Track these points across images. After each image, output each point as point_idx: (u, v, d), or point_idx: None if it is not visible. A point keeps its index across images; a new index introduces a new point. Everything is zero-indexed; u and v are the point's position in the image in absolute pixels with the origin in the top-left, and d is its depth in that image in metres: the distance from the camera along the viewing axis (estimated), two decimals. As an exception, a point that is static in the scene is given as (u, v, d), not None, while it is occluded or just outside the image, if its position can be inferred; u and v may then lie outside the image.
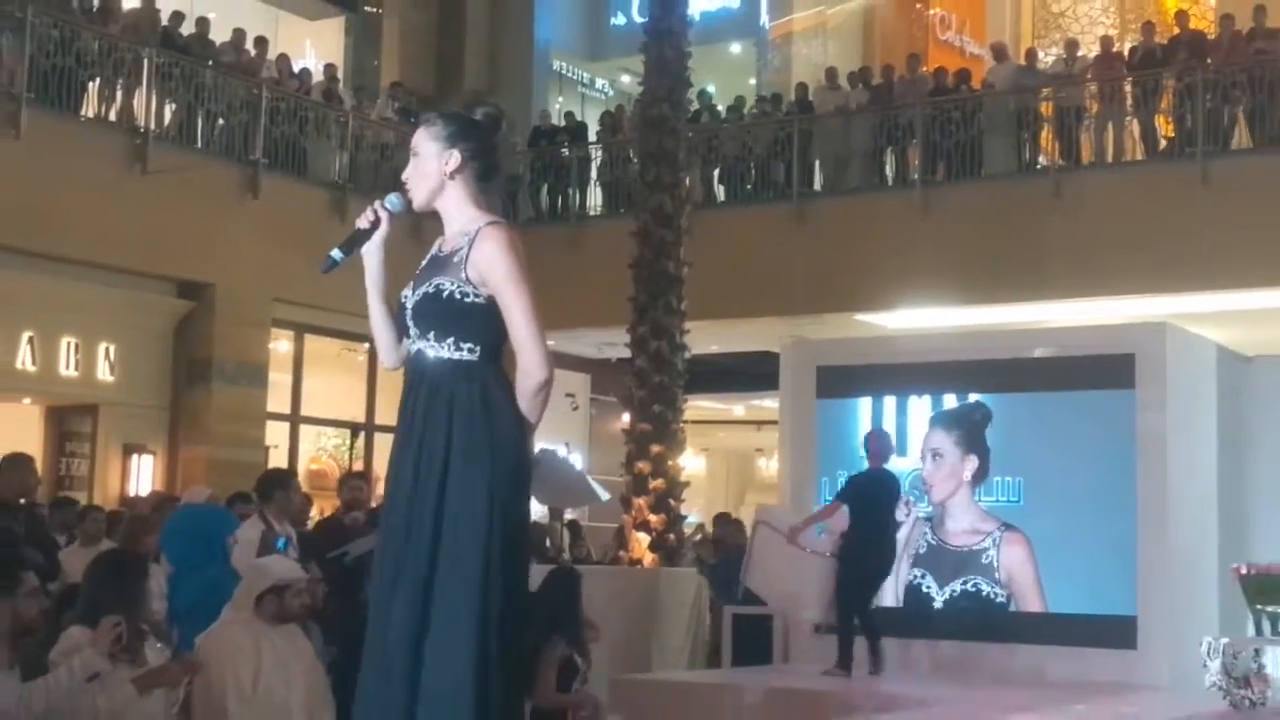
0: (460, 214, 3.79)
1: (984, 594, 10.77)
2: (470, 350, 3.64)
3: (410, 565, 3.55)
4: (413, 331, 3.70)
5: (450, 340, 3.64)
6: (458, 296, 3.63)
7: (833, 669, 9.55)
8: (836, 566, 9.88)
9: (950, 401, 11.21)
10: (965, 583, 10.81)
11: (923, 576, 10.92)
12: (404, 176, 3.83)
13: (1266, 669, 8.60)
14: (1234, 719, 8.47)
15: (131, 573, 5.45)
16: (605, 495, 4.28)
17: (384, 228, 3.81)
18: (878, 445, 10.02)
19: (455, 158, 3.78)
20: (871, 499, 9.78)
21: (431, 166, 3.78)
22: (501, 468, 3.58)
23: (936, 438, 11.02)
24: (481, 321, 3.64)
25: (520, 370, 3.66)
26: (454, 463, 3.56)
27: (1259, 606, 8.82)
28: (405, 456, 3.63)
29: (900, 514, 10.27)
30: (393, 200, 3.83)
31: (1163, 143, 15.64)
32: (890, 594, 10.73)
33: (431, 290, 3.66)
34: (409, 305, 3.71)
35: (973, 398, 11.12)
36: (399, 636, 3.52)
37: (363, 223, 3.80)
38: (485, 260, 3.63)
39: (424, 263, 3.81)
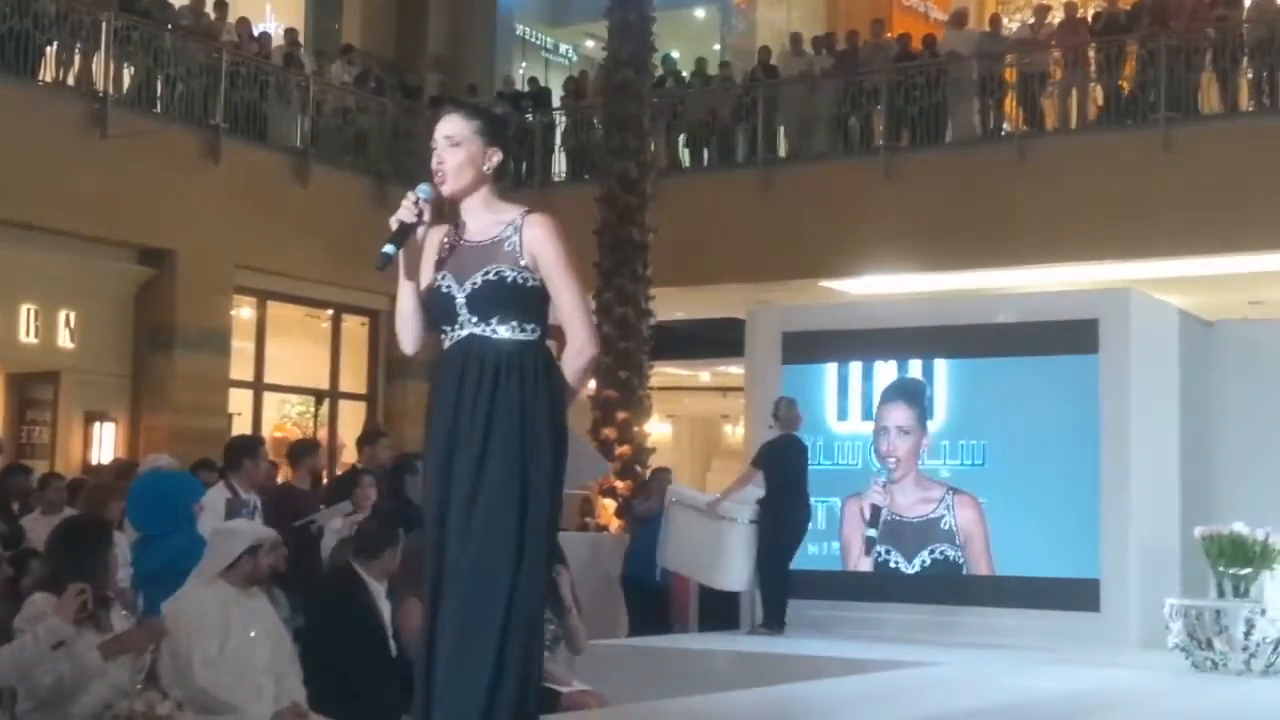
0: (488, 207, 3.92)
1: (951, 559, 10.87)
2: (532, 331, 3.82)
3: (482, 534, 3.71)
4: (464, 317, 3.81)
5: (514, 323, 3.80)
6: (520, 281, 3.79)
7: (759, 627, 10.19)
8: (757, 531, 10.31)
9: (915, 368, 11.26)
10: (932, 551, 10.91)
11: (888, 553, 11.00)
12: (442, 163, 3.88)
13: (1228, 630, 8.71)
14: (1197, 680, 8.56)
15: (95, 539, 5.41)
16: (609, 467, 4.42)
17: (427, 218, 3.88)
18: (790, 413, 10.42)
19: (498, 155, 3.94)
20: (786, 463, 10.25)
21: (476, 159, 3.89)
22: (562, 436, 3.84)
23: (900, 412, 11.12)
24: (539, 304, 3.84)
25: (573, 348, 3.86)
26: (530, 430, 3.75)
27: (1221, 569, 8.92)
28: (469, 429, 3.75)
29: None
30: (425, 190, 3.87)
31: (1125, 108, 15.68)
32: (864, 567, 10.95)
33: (494, 278, 3.79)
34: (459, 294, 3.80)
35: (938, 363, 11.18)
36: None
37: (408, 216, 3.83)
38: (539, 245, 3.81)
39: (441, 252, 3.87)
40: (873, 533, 10.95)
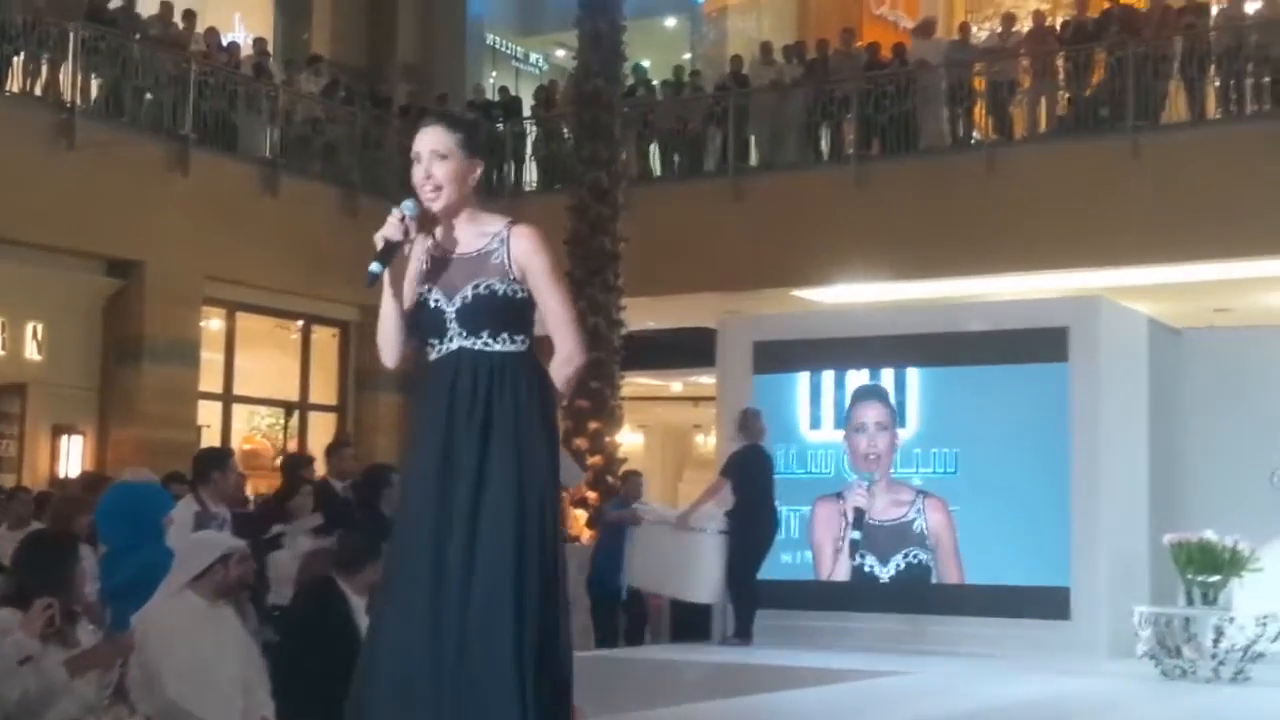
0: (471, 219, 3.89)
1: (923, 563, 10.90)
2: (522, 342, 3.84)
3: (486, 552, 3.70)
4: (454, 331, 3.81)
5: (505, 335, 3.81)
6: (510, 294, 3.80)
7: (731, 638, 10.16)
8: (726, 541, 10.34)
9: (887, 376, 11.27)
10: (906, 555, 10.93)
11: (864, 557, 11.01)
12: (429, 178, 3.83)
13: (1198, 638, 8.74)
14: (1167, 687, 8.58)
15: (62, 553, 5.35)
16: (584, 475, 4.43)
17: (414, 235, 3.85)
18: (753, 424, 10.48)
19: (480, 166, 3.93)
20: (751, 474, 10.29)
21: (463, 172, 3.86)
22: (556, 442, 3.91)
23: (875, 410, 11.14)
24: (528, 315, 3.86)
25: (562, 356, 3.88)
26: (526, 438, 3.77)
27: (1190, 576, 8.95)
28: (465, 438, 3.75)
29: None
30: (410, 206, 3.83)
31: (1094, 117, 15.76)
32: (840, 571, 10.95)
33: (484, 291, 3.80)
34: (448, 308, 3.81)
35: (909, 371, 11.21)
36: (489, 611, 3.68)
37: (395, 234, 3.80)
38: (526, 256, 3.82)
39: (424, 265, 3.86)
40: (856, 535, 10.96)
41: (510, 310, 3.81)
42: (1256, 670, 8.70)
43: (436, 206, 3.84)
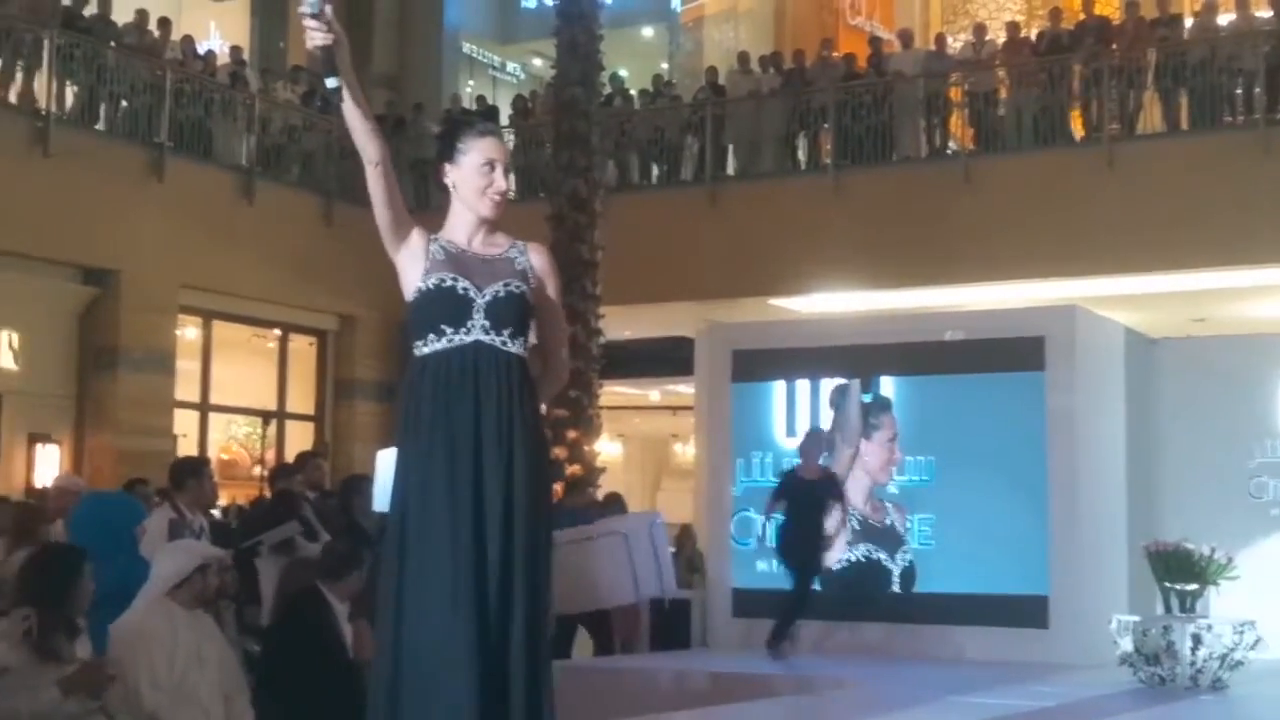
0: (490, 226, 4.00)
1: (914, 563, 11.05)
2: (524, 346, 3.94)
3: (496, 536, 3.77)
4: (477, 321, 3.85)
5: (521, 339, 3.92)
6: (529, 300, 3.93)
7: (779, 647, 9.94)
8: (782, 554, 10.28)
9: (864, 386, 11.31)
10: (905, 553, 11.01)
11: (875, 551, 11.06)
12: (496, 185, 3.95)
13: (1175, 645, 8.76)
14: (1145, 696, 8.60)
15: (66, 567, 5.28)
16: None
17: (334, 28, 3.77)
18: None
19: None
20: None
21: None
22: (547, 445, 4.06)
23: (885, 415, 11.22)
24: (530, 322, 3.98)
25: (554, 372, 4.07)
26: (541, 437, 3.93)
27: (1168, 584, 8.98)
28: (495, 432, 3.81)
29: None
30: (312, 4, 3.74)
31: (1070, 128, 15.83)
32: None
33: (516, 291, 3.90)
34: (478, 297, 3.85)
35: (885, 380, 11.24)
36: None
37: (324, 39, 3.74)
38: (546, 273, 4.00)
39: (445, 254, 3.90)
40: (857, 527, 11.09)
41: (527, 316, 3.92)
42: (1234, 679, 8.74)
43: (497, 214, 3.94)
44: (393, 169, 3.95)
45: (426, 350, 3.84)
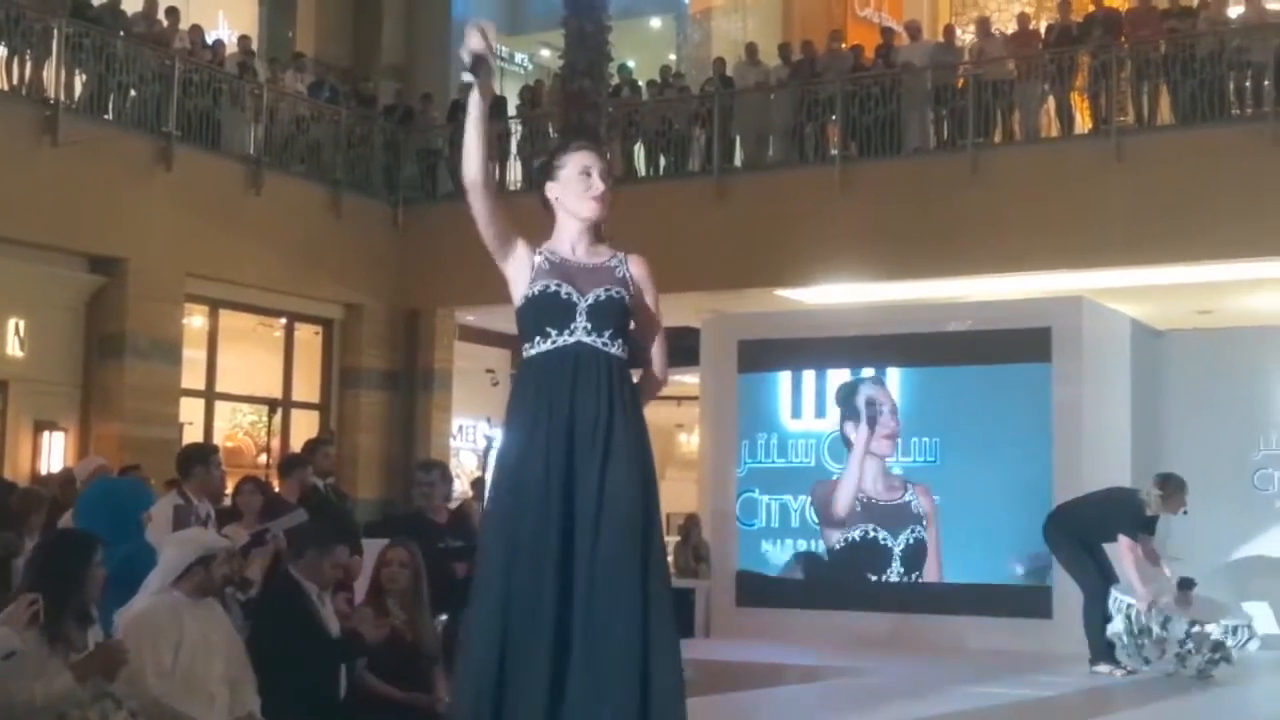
0: (591, 237, 4.23)
1: (923, 540, 11.09)
2: (624, 348, 4.13)
3: (588, 531, 3.93)
4: (580, 324, 4.05)
5: (620, 341, 4.11)
6: (629, 306, 4.14)
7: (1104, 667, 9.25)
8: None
9: (871, 376, 11.32)
10: (911, 532, 11.05)
11: (875, 530, 11.10)
12: (601, 192, 4.21)
13: (1170, 631, 8.81)
14: (1145, 688, 8.62)
15: (79, 553, 5.27)
16: None
17: (492, 41, 4.09)
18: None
19: None
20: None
21: None
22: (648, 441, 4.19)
23: (884, 394, 11.28)
24: (629, 326, 4.18)
25: (654, 375, 4.28)
26: (629, 438, 4.05)
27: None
28: (592, 427, 3.99)
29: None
30: (480, 22, 4.12)
31: (1078, 119, 15.81)
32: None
33: (616, 295, 4.11)
34: (580, 301, 4.05)
35: (892, 371, 11.25)
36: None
37: (479, 45, 4.05)
38: (645, 282, 4.21)
39: (550, 263, 4.12)
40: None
41: (627, 320, 4.12)
42: (1235, 674, 8.76)
43: (600, 213, 4.19)
44: (494, 186, 4.19)
45: (533, 352, 4.06)
